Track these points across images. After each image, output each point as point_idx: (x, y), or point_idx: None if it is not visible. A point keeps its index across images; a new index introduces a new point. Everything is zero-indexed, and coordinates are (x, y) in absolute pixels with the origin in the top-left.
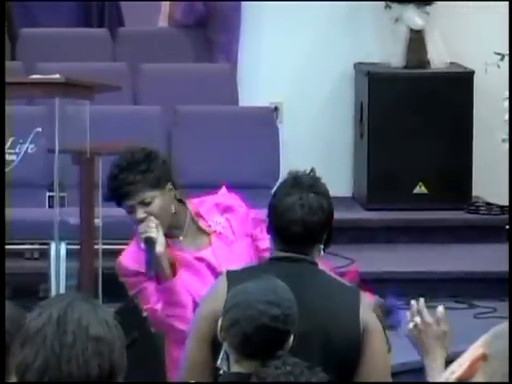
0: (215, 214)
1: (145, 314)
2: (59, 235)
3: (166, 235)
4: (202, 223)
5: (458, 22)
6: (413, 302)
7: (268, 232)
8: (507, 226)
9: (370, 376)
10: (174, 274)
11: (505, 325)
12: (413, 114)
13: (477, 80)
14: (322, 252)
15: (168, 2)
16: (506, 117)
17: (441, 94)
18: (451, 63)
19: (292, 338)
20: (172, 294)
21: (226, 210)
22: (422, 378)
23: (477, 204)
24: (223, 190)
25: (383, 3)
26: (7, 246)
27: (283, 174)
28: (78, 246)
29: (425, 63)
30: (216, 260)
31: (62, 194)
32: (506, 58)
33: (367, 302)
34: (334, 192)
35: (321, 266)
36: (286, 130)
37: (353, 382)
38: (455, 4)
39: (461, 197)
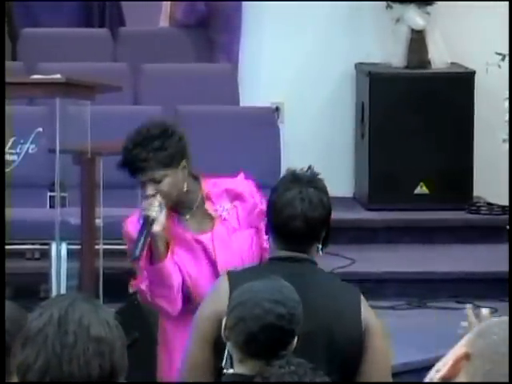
0: (224, 199)
1: (132, 288)
2: (60, 235)
3: (174, 211)
4: (209, 206)
5: (459, 22)
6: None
7: (267, 232)
8: (508, 227)
9: (372, 374)
10: (167, 255)
11: (489, 323)
12: (414, 114)
13: (478, 80)
14: (321, 252)
15: (169, 2)
16: (507, 117)
17: (442, 94)
18: (452, 63)
19: (296, 339)
20: (161, 276)
21: (236, 197)
22: (424, 378)
23: (478, 204)
24: (241, 176)
25: (384, 3)
26: (8, 246)
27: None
28: (78, 246)
29: (426, 63)
30: (212, 246)
31: (62, 194)
32: (507, 59)
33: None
34: (334, 192)
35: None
36: (287, 130)
37: (356, 382)
38: (456, 4)
39: (462, 197)
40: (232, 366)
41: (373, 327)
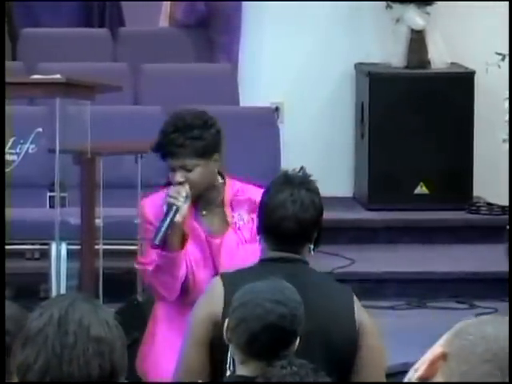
0: (243, 209)
1: (136, 265)
2: (60, 235)
3: (194, 205)
4: (227, 211)
5: (458, 22)
6: None
7: (258, 232)
8: (508, 227)
9: (367, 372)
10: (182, 247)
11: (466, 322)
12: (414, 115)
13: (478, 80)
14: (312, 252)
15: (169, 2)
16: (507, 117)
17: (441, 95)
18: (452, 63)
19: (298, 340)
20: (171, 265)
21: (255, 210)
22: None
23: (478, 204)
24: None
25: (384, 3)
26: (8, 246)
27: None
28: (78, 247)
29: (425, 63)
30: (217, 255)
31: (62, 194)
32: (507, 59)
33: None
34: (334, 192)
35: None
36: (287, 130)
37: (356, 382)
38: (456, 4)
39: (462, 197)
40: (234, 368)
41: (366, 326)
